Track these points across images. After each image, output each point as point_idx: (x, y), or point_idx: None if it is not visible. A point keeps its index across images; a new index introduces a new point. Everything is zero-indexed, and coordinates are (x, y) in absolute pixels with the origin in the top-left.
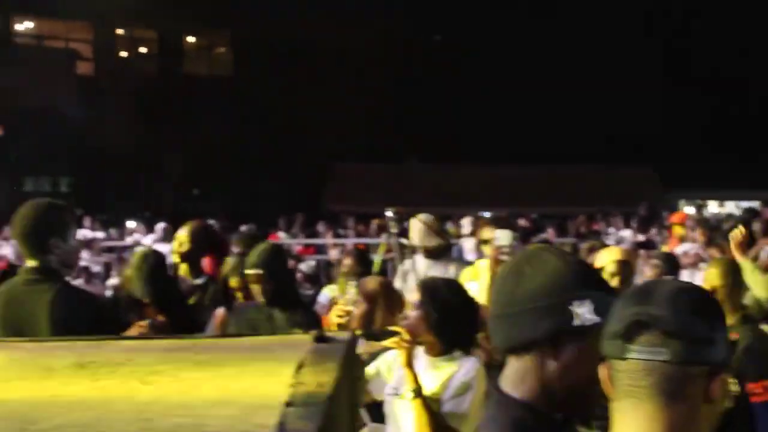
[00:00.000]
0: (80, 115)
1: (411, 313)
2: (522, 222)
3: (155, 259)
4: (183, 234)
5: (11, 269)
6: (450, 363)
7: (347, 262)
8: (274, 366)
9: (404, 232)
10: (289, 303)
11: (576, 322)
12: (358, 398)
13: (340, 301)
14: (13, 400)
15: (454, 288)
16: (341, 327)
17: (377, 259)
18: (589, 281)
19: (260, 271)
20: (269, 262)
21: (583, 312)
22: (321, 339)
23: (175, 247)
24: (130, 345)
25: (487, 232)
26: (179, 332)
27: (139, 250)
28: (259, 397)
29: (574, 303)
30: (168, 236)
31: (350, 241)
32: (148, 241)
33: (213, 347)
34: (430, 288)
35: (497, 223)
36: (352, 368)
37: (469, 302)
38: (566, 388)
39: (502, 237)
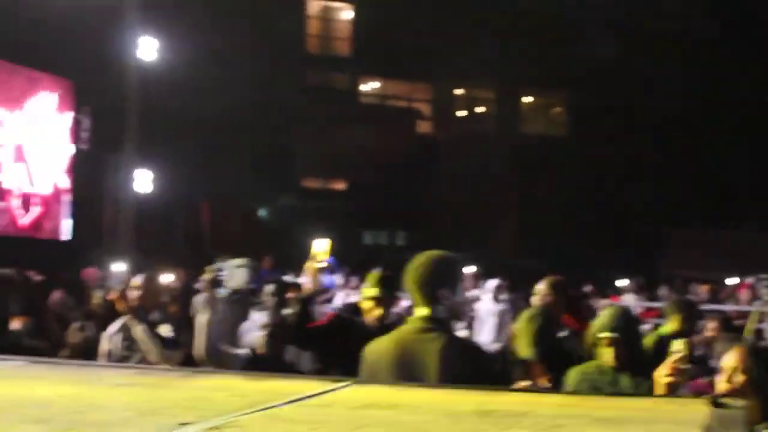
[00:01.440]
0: (420, 172)
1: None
2: None
3: (543, 318)
4: (543, 287)
5: (339, 319)
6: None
7: (711, 326)
8: (679, 428)
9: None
10: (638, 368)
11: None
12: None
13: (671, 359)
14: None
15: None
16: (672, 386)
17: (749, 325)
18: None
19: (615, 335)
20: (623, 326)
21: None
22: (717, 405)
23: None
24: (525, 398)
25: None
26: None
27: (529, 309)
28: None
29: None
30: (503, 295)
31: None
32: (482, 296)
33: (607, 405)
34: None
35: None
36: None
37: None
38: None
39: None
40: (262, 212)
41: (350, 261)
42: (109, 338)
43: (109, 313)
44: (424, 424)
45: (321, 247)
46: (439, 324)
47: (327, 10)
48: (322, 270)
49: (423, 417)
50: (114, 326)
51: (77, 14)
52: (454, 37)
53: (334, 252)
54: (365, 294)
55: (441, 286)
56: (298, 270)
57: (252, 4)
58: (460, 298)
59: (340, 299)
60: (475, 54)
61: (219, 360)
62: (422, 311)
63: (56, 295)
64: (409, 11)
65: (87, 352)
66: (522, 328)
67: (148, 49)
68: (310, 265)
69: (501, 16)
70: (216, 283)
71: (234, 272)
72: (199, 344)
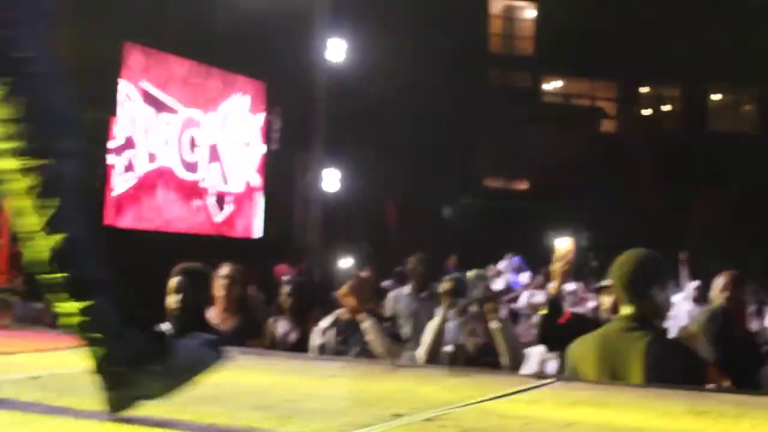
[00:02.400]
0: (604, 172)
1: None
2: None
3: (723, 317)
4: (722, 281)
5: (577, 317)
6: None
7: None
8: None
9: None
10: None
11: None
12: None
13: None
14: None
15: None
16: None
17: None
18: None
19: None
20: None
21: None
22: None
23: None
24: (739, 398)
25: None
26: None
27: (705, 308)
28: None
29: None
30: (702, 297)
31: None
32: (679, 299)
33: None
34: None
35: None
36: None
37: None
38: None
39: None
40: (445, 211)
41: (533, 260)
42: (322, 332)
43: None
44: (637, 423)
45: (565, 246)
46: (644, 323)
47: (510, 9)
48: (567, 271)
49: (635, 416)
50: (326, 321)
51: (269, 17)
52: (639, 33)
53: (519, 252)
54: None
55: (648, 285)
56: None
57: (435, 4)
58: (666, 296)
59: (524, 298)
60: (660, 50)
61: (436, 360)
62: (627, 309)
63: (251, 289)
64: (592, 9)
65: (281, 344)
66: (701, 328)
67: (336, 50)
68: (556, 267)
69: (688, 10)
70: (455, 292)
71: (471, 282)
72: (426, 345)
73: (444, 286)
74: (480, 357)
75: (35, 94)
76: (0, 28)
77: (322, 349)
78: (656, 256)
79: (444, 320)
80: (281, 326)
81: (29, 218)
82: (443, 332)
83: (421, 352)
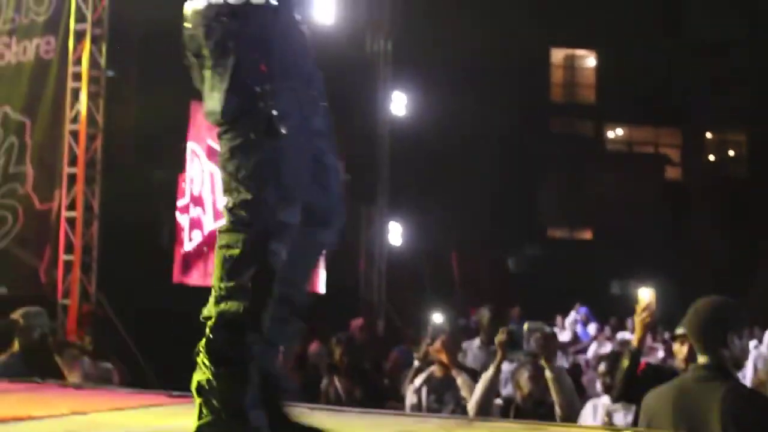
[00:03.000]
0: (669, 220)
1: None
2: None
3: None
4: None
5: (652, 367)
6: None
7: None
8: None
9: None
10: None
11: None
12: None
13: None
14: None
15: None
16: None
17: None
18: None
19: None
20: None
21: None
22: None
23: None
24: None
25: None
26: None
27: None
28: None
29: None
30: None
31: None
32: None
33: None
34: None
35: None
36: None
37: None
38: None
39: None
40: (510, 262)
41: (599, 311)
42: (415, 391)
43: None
44: None
45: (647, 297)
46: (721, 372)
47: (571, 58)
48: (649, 323)
49: None
50: (419, 379)
51: (331, 71)
52: (701, 78)
53: (585, 302)
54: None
55: (724, 333)
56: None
57: (497, 55)
58: (743, 345)
59: (592, 350)
60: (724, 95)
61: (486, 411)
62: (703, 359)
63: (313, 347)
64: (653, 55)
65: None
66: None
67: (399, 103)
68: (638, 318)
69: (750, 55)
70: (510, 343)
71: (527, 334)
72: (477, 396)
73: (498, 337)
74: (534, 408)
75: (267, 156)
76: (255, 83)
77: (418, 407)
78: (732, 304)
79: (497, 372)
80: (340, 385)
81: (216, 273)
82: (495, 384)
83: (472, 403)
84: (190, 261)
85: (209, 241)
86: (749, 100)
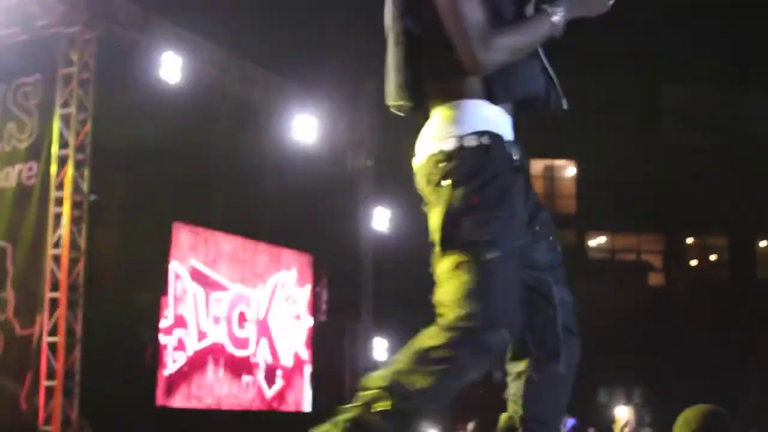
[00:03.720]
0: (653, 326)
1: None
2: None
3: None
4: None
5: None
6: None
7: None
8: None
9: None
10: None
11: None
12: None
13: None
14: None
15: None
16: None
17: None
18: None
19: None
20: None
21: None
22: None
23: None
24: None
25: None
26: None
27: None
28: None
29: None
30: None
31: None
32: None
33: None
34: None
35: None
36: None
37: None
38: None
39: None
40: (496, 375)
41: (587, 417)
42: None
43: None
44: None
45: (624, 416)
46: None
47: (550, 168)
48: None
49: None
50: None
51: (313, 190)
52: (681, 184)
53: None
54: None
55: None
56: None
57: None
58: None
59: None
60: (704, 200)
61: None
62: None
63: None
64: (632, 162)
65: None
66: None
67: (381, 218)
68: None
69: (728, 159)
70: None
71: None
72: None
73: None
74: None
75: (478, 278)
76: (467, 213)
77: None
78: (721, 412)
79: None
80: None
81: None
82: None
83: None
84: (173, 383)
85: (193, 362)
86: (729, 204)
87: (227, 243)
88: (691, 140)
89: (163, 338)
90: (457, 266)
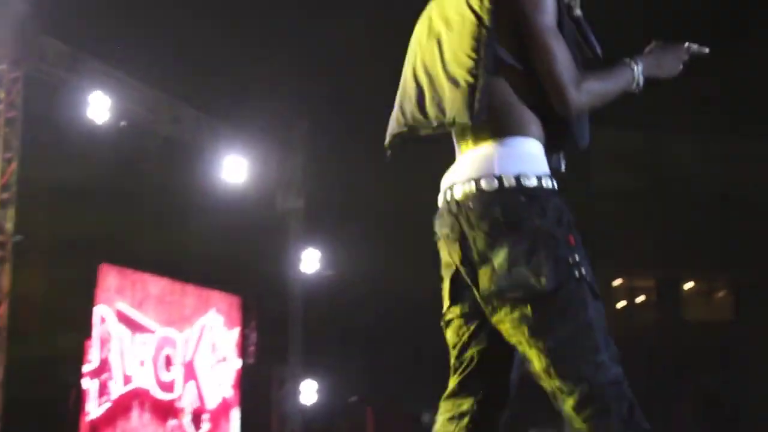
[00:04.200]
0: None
1: None
2: None
3: None
4: None
5: None
6: None
7: None
8: None
9: None
10: None
11: None
12: None
13: None
14: None
15: None
16: None
17: None
18: None
19: None
20: None
21: None
22: None
23: None
24: None
25: None
26: None
27: None
28: None
29: None
30: None
31: None
32: None
33: None
34: None
35: None
36: None
37: None
38: None
39: None
40: (425, 417)
41: None
42: None
43: None
44: None
45: None
46: None
47: None
48: None
49: None
50: None
51: (242, 232)
52: (608, 226)
53: None
54: None
55: None
56: None
57: (407, 213)
58: None
59: None
60: (631, 242)
61: None
62: None
63: None
64: None
65: None
66: None
67: (311, 260)
68: None
69: (655, 204)
70: None
71: None
72: None
73: None
74: None
75: (594, 316)
76: (568, 254)
77: None
78: None
79: None
80: None
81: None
82: None
83: None
84: (96, 428)
85: (117, 406)
86: (653, 246)
87: (155, 285)
88: (618, 184)
89: (86, 383)
90: (569, 309)
